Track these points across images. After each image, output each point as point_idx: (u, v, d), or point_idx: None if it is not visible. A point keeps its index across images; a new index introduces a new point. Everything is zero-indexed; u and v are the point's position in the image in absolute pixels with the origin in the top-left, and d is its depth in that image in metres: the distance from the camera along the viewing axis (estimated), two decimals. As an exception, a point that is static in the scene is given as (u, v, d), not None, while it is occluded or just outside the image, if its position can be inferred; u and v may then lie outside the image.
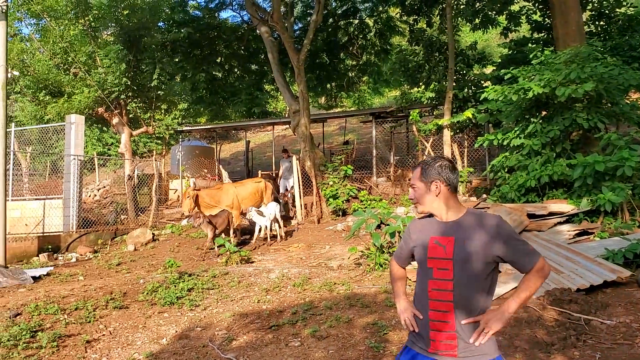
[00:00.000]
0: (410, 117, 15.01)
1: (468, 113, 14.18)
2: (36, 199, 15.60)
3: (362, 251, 9.41)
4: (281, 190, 16.07)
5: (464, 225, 2.71)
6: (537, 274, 2.59)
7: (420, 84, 17.43)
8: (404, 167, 17.08)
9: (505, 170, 11.87)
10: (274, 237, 12.71)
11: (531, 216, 9.76)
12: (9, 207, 12.36)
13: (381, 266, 8.60)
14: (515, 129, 11.47)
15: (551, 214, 9.84)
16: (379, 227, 9.71)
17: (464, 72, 16.76)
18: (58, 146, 19.98)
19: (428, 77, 17.08)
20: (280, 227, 12.74)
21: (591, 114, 10.37)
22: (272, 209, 12.36)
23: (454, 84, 15.16)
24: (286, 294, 7.80)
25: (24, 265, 10.70)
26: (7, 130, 11.80)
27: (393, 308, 6.61)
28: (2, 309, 7.58)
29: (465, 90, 15.79)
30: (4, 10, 11.40)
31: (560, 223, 9.65)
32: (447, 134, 14.57)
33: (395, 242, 9.00)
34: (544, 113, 11.41)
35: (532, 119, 11.25)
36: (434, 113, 17.40)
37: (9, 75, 11.54)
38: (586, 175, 9.67)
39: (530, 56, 11.68)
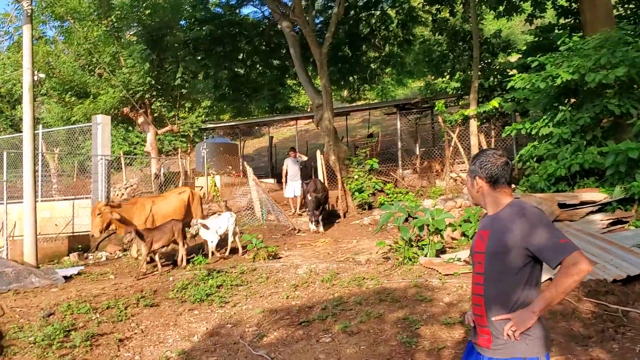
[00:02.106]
0: (436, 108, 14.82)
1: (494, 102, 13.93)
2: (65, 199, 15.81)
3: (390, 245, 9.31)
4: (287, 195, 15.10)
5: (500, 218, 2.66)
6: (564, 271, 2.42)
7: (445, 74, 17.19)
8: (430, 159, 16.88)
9: (534, 160, 11.64)
10: (234, 250, 10.97)
11: (562, 206, 9.55)
12: (39, 208, 12.53)
13: (410, 260, 8.50)
14: (544, 117, 11.22)
15: (583, 203, 9.62)
16: (406, 220, 9.61)
17: (489, 60, 16.51)
18: (85, 146, 20.24)
19: (453, 66, 16.84)
20: (237, 240, 10.92)
21: (623, 99, 10.09)
22: (223, 221, 10.73)
23: (479, 73, 14.92)
24: (315, 289, 7.75)
25: (56, 265, 10.85)
26: (35, 132, 11.98)
27: (424, 302, 6.53)
28: (36, 309, 7.69)
29: (491, 79, 15.54)
30: (29, 14, 11.56)
31: (592, 212, 9.43)
32: (473, 124, 14.35)
33: (424, 235, 8.88)
34: (572, 100, 11.15)
35: (560, 107, 10.99)
36: (460, 103, 17.16)
37: (36, 77, 11.70)
38: (619, 162, 9.42)
39: (558, 42, 11.39)
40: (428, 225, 8.78)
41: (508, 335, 2.51)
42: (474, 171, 2.76)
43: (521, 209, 2.60)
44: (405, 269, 8.23)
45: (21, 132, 12.43)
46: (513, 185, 12.91)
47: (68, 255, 12.39)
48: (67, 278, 9.55)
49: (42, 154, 16.57)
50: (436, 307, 6.48)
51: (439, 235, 8.99)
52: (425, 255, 8.68)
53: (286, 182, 15.15)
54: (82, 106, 18.20)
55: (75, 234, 13.71)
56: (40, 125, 16.77)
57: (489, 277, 2.63)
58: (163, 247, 9.89)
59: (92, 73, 19.26)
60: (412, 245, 8.81)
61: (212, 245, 10.53)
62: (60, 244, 12.71)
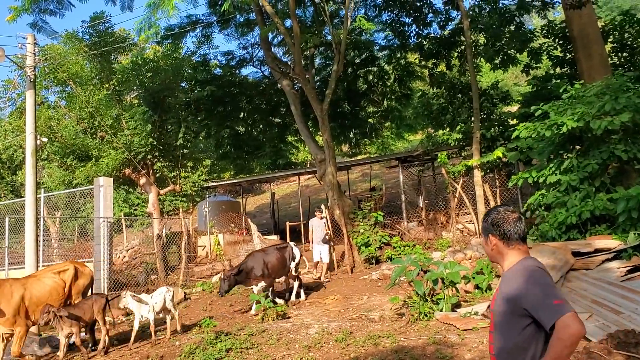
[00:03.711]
0: (438, 160, 14.83)
1: (498, 152, 13.95)
2: (67, 263, 15.57)
3: (404, 300, 9.06)
4: (315, 259, 13.92)
5: (507, 277, 2.64)
6: (555, 335, 2.31)
7: (445, 126, 17.31)
8: (434, 211, 16.76)
9: (543, 208, 11.51)
10: (173, 331, 9.68)
11: (576, 254, 9.34)
12: (42, 273, 12.26)
13: (426, 315, 8.24)
14: (550, 165, 11.17)
15: (597, 250, 9.41)
16: (418, 274, 9.38)
17: (489, 111, 16.63)
18: (85, 209, 20.15)
19: (453, 118, 16.96)
20: (174, 317, 9.75)
21: (629, 145, 10.06)
22: (159, 297, 9.40)
23: (480, 123, 15.01)
24: (329, 350, 7.47)
25: (55, 332, 10.49)
26: (37, 196, 11.90)
27: (446, 360, 6.27)
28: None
29: (493, 129, 15.61)
30: (32, 80, 11.71)
31: (607, 260, 9.20)
32: (477, 174, 14.31)
33: (439, 289, 8.65)
34: (578, 147, 11.13)
35: (566, 154, 10.97)
36: (462, 154, 17.21)
37: (38, 142, 11.73)
38: (630, 208, 9.28)
39: (560, 90, 11.48)
40: (442, 279, 8.57)
41: None
42: (486, 229, 2.75)
43: (522, 267, 2.57)
44: (422, 325, 7.97)
45: (21, 197, 12.38)
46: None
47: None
48: (71, 346, 9.21)
49: (43, 218, 16.42)
50: (458, 365, 6.24)
51: (454, 288, 8.76)
52: (441, 310, 8.43)
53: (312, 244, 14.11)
54: (84, 169, 18.20)
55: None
56: (42, 190, 16.71)
57: (497, 337, 2.61)
58: (85, 326, 8.81)
59: (94, 136, 19.38)
60: (426, 300, 8.58)
61: (147, 318, 9.20)
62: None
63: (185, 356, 7.74)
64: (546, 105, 11.18)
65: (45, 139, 14.46)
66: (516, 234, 2.65)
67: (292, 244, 12.00)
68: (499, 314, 2.61)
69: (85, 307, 8.75)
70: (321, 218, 14.07)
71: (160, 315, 9.47)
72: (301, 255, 11.95)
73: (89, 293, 9.71)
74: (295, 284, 11.74)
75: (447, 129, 17.16)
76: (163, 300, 9.38)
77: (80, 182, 18.55)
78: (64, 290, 9.14)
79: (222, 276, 10.96)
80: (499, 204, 14.97)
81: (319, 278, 13.74)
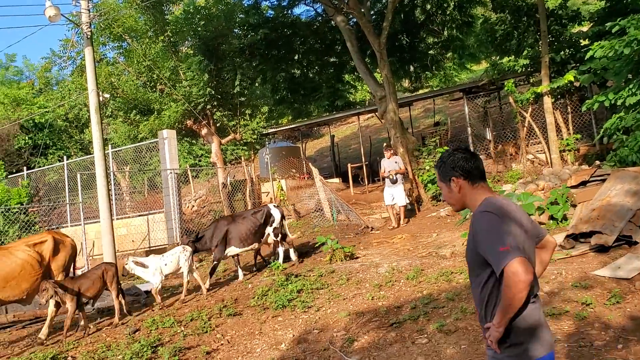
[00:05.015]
0: (505, 88, 14.07)
1: (569, 76, 13.07)
2: (139, 215, 16.14)
3: (475, 235, 8.77)
4: (387, 203, 12.60)
5: (472, 220, 2.56)
6: (504, 282, 2.27)
7: (511, 52, 16.34)
8: (503, 142, 16.09)
9: (621, 132, 10.75)
10: (197, 289, 9.28)
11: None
12: (115, 226, 12.75)
13: (499, 249, 7.94)
14: (630, 86, 10.32)
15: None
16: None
17: (558, 33, 15.51)
18: (152, 163, 20.69)
19: (519, 44, 15.95)
20: (197, 277, 9.18)
21: None
22: (171, 257, 8.83)
23: (549, 47, 14.05)
24: (400, 288, 7.36)
25: (135, 281, 10.94)
26: (105, 152, 12.19)
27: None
28: (122, 326, 7.70)
29: (562, 52, 14.60)
30: (88, 37, 11.76)
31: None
32: (547, 101, 13.51)
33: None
34: (660, 63, 10.21)
35: (648, 72, 10.09)
36: (530, 81, 16.26)
37: (101, 98, 11.90)
38: None
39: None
40: (515, 211, 8.19)
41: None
42: (446, 173, 2.64)
43: (476, 212, 2.52)
44: (496, 260, 7.69)
45: (91, 154, 12.71)
46: (597, 162, 12.05)
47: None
48: (149, 293, 9.56)
49: (113, 173, 16.96)
50: (536, 297, 5.97)
51: (528, 220, 8.37)
52: (515, 243, 8.09)
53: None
54: (148, 123, 18.56)
55: (152, 248, 13.89)
56: (109, 146, 17.20)
57: (472, 284, 2.61)
58: (94, 297, 7.97)
59: (154, 89, 19.64)
60: (499, 234, 8.23)
61: (155, 285, 8.59)
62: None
63: (258, 298, 7.85)
64: (624, 20, 10.20)
65: (107, 95, 14.73)
66: (477, 169, 2.59)
67: (271, 205, 10.69)
68: (468, 262, 2.58)
69: (93, 277, 7.92)
70: (390, 156, 12.50)
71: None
72: (282, 218, 10.49)
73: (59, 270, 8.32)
74: (281, 249, 10.47)
75: (513, 56, 16.22)
76: (177, 261, 8.80)
77: (145, 136, 18.97)
78: (39, 264, 7.88)
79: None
80: (570, 130, 14.19)
81: (394, 228, 12.20)
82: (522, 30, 16.11)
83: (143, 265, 8.52)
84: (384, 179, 12.65)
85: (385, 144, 13.56)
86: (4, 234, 14.32)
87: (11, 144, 26.07)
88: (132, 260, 8.64)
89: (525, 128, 14.25)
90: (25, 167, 19.86)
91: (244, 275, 10.03)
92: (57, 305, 7.42)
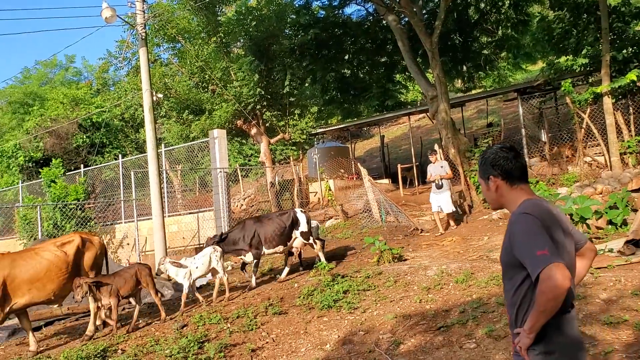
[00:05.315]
0: (562, 88, 13.55)
1: (632, 75, 12.49)
2: (190, 213, 16.42)
3: (529, 239, 8.46)
4: (433, 209, 12.25)
5: (509, 222, 2.45)
6: (538, 288, 2.19)
7: (569, 51, 15.75)
8: (558, 144, 15.51)
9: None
10: (221, 292, 8.96)
11: None
12: (167, 223, 13.02)
13: (554, 254, 7.63)
14: (699, 83, 9.77)
15: None
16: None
17: (620, 30, 14.84)
18: (204, 162, 21.05)
19: (578, 42, 15.36)
20: (225, 281, 8.92)
21: None
22: (202, 258, 8.79)
23: (610, 45, 13.46)
24: (449, 291, 7.17)
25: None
26: (158, 151, 12.45)
27: (577, 300, 5.78)
28: (170, 321, 7.81)
29: (625, 50, 13.97)
30: (143, 37, 12.04)
31: None
32: (607, 101, 12.95)
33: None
34: None
35: None
36: (589, 80, 15.62)
37: (155, 98, 12.15)
38: None
39: None
40: (572, 215, 7.87)
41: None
42: (485, 171, 2.57)
43: (513, 214, 2.44)
44: (551, 265, 7.39)
45: (145, 153, 13.02)
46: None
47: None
48: (198, 288, 9.68)
49: (165, 172, 17.33)
50: (592, 304, 5.73)
51: (585, 224, 8.03)
52: (572, 248, 7.77)
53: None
54: (199, 122, 18.90)
55: (201, 245, 14.09)
56: (163, 145, 17.59)
57: (504, 287, 2.53)
58: (129, 296, 7.94)
59: (206, 90, 19.97)
60: (554, 238, 7.92)
61: (186, 287, 8.52)
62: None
63: (304, 298, 7.80)
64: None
65: (160, 95, 15.08)
66: (518, 170, 2.50)
67: (297, 209, 10.47)
68: (503, 264, 2.50)
69: (126, 275, 7.85)
70: (436, 161, 12.13)
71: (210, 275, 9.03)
72: (308, 222, 10.19)
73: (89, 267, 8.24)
74: (321, 254, 10.18)
75: (571, 55, 15.63)
76: (208, 262, 8.73)
77: (196, 136, 19.32)
78: (67, 264, 7.68)
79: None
80: (632, 132, 13.54)
81: (440, 235, 11.71)
82: (581, 28, 15.52)
83: (180, 266, 8.48)
84: (431, 182, 12.27)
85: (429, 151, 13.16)
86: (62, 228, 14.83)
87: (70, 142, 27.12)
88: (168, 260, 8.63)
89: (582, 129, 13.70)
90: (82, 165, 20.59)
91: (287, 274, 9.94)
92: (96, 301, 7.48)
